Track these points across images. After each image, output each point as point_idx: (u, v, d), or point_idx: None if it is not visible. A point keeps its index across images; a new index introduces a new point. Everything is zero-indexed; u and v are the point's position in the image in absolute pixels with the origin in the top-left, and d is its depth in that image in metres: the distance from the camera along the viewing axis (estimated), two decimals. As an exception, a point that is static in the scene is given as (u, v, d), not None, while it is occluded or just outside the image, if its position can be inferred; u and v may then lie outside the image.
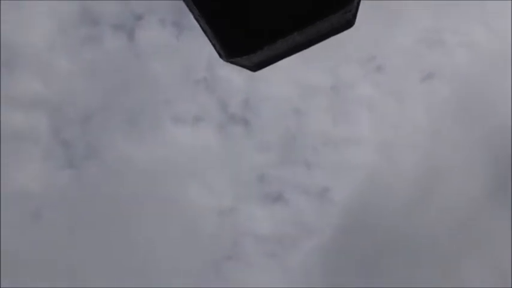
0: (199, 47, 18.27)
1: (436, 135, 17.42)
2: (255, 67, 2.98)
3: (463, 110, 17.20)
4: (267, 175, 19.00)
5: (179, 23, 18.99)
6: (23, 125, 18.20)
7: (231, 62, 2.93)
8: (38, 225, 17.71)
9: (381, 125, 18.34)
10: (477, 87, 17.04)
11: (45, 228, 17.72)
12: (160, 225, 18.40)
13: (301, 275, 17.54)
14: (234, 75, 18.98)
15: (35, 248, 17.14)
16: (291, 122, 19.14)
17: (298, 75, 18.91)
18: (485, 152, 16.68)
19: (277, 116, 19.10)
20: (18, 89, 18.19)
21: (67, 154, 18.93)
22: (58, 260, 16.98)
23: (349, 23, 2.85)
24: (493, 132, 16.66)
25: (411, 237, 16.92)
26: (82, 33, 18.45)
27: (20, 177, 17.89)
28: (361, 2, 2.77)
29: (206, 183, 19.30)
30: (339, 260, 17.28)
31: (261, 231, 18.78)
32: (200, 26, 2.79)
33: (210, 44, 2.84)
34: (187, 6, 2.72)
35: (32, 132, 18.25)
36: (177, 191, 18.82)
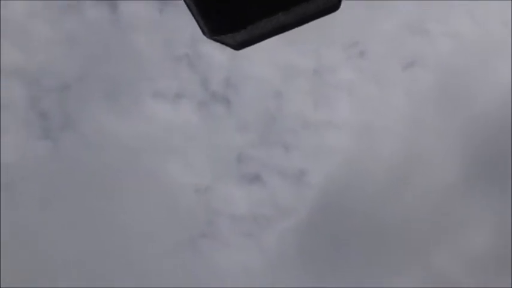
0: (183, 22, 18.12)
1: (416, 122, 17.56)
2: (239, 46, 2.96)
3: (443, 99, 17.35)
4: (245, 155, 19.03)
5: (163, -2, 18.78)
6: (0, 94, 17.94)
7: (215, 40, 2.90)
8: (11, 195, 17.54)
9: (361, 110, 18.43)
10: (458, 77, 17.17)
11: (18, 199, 17.56)
12: (137, 201, 18.36)
13: (276, 255, 17.68)
14: (216, 53, 18.88)
15: (6, 220, 16.99)
16: (271, 103, 19.14)
17: (281, 57, 18.88)
18: (463, 140, 16.87)
19: (258, 97, 19.08)
20: (-4, 56, 17.89)
21: (44, 125, 18.73)
22: (31, 233, 16.87)
23: (335, 6, 2.83)
24: (471, 122, 16.85)
25: (385, 221, 17.11)
26: (64, 2, 18.17)
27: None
28: (348, -14, 2.75)
29: (184, 160, 19.27)
30: (313, 241, 17.43)
31: (237, 211, 18.85)
32: (184, 1, 2.75)
33: (193, 20, 2.80)
34: (172, -20, 2.66)
35: (9, 102, 18.00)
36: (155, 167, 18.77)
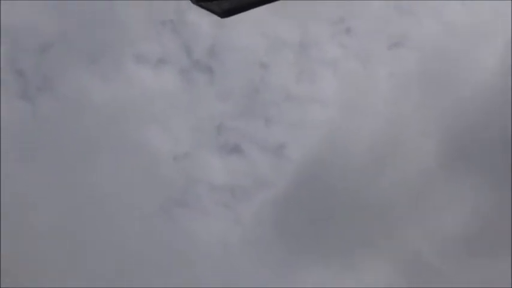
0: (169, -12, 17.75)
1: (398, 102, 17.66)
2: (224, 13, 2.89)
3: (426, 81, 17.45)
4: (225, 125, 18.97)
5: (150, -39, 18.34)
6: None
7: (200, 6, 2.83)
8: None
9: (344, 86, 18.45)
10: (443, 60, 17.25)
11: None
12: (115, 166, 18.22)
13: (253, 226, 17.81)
14: (202, 21, 18.60)
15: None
16: (255, 74, 19.02)
17: (267, 28, 18.69)
18: (443, 123, 17.05)
19: (242, 67, 18.94)
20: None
21: (23, 85, 18.34)
22: (7, 194, 16.65)
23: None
24: (453, 105, 17.01)
25: (363, 198, 17.32)
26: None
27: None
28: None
29: (164, 127, 19.14)
30: (291, 214, 17.57)
31: (215, 180, 18.88)
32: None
33: (179, -15, 2.70)
34: None
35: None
36: (134, 132, 18.61)
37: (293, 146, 18.45)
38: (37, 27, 18.10)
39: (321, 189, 17.65)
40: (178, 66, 19.05)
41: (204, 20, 18.52)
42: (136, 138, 18.52)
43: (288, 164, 18.66)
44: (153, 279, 16.77)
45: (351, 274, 16.88)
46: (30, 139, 17.90)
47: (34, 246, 16.64)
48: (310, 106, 18.57)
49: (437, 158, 17.14)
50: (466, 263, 16.08)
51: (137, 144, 18.45)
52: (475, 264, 15.98)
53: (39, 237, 16.80)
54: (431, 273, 16.49)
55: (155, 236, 17.66)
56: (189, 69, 19.02)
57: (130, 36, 18.87)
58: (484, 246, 16.20)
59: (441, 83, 17.22)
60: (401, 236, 17.09)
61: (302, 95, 18.68)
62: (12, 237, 15.87)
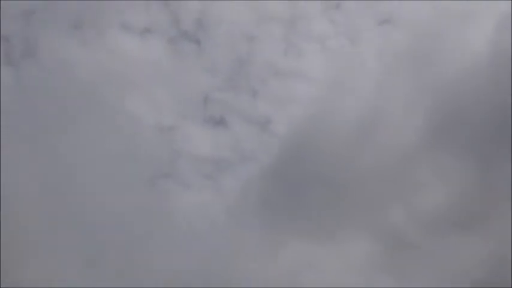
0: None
1: (384, 80, 17.75)
2: None
3: (414, 58, 17.53)
4: (211, 98, 18.89)
5: None
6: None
7: None
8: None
9: (331, 62, 18.46)
10: (432, 40, 17.35)
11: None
12: (98, 136, 17.99)
13: (237, 199, 17.87)
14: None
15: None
16: (242, 47, 18.91)
17: (256, 1, 18.54)
18: (429, 100, 17.19)
19: (230, 40, 18.79)
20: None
21: (5, 50, 17.94)
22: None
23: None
24: (439, 85, 17.15)
25: (346, 175, 17.46)
26: None
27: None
28: None
29: (149, 98, 18.96)
30: (274, 188, 17.65)
31: (199, 153, 18.85)
32: None
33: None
34: None
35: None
36: (118, 102, 18.36)
37: (279, 121, 18.50)
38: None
39: (306, 164, 17.76)
40: (165, 36, 18.84)
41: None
42: (120, 109, 18.31)
43: (273, 139, 18.72)
44: (134, 251, 16.76)
45: (331, 246, 17.09)
46: (13, 106, 17.57)
47: (14, 212, 16.42)
48: (297, 81, 18.59)
49: (421, 135, 17.34)
50: (446, 238, 16.42)
51: (121, 115, 18.25)
52: (455, 239, 16.33)
53: (20, 202, 16.57)
54: (411, 248, 16.81)
55: (138, 206, 17.59)
56: (176, 39, 18.83)
57: (116, 3, 18.54)
58: (463, 222, 16.53)
59: (428, 61, 17.35)
60: (382, 210, 17.34)
61: (289, 70, 18.68)
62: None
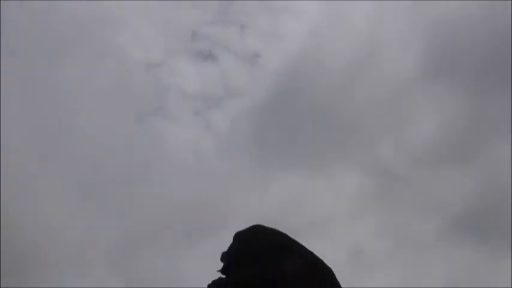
0: None
1: (380, 15, 17.48)
2: None
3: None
4: (200, 32, 18.57)
5: None
6: None
7: None
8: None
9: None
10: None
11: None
12: (88, 73, 17.73)
13: (227, 134, 17.84)
14: None
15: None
16: (230, -20, 18.47)
17: None
18: (425, 36, 17.00)
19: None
20: None
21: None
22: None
23: None
24: (434, 17, 16.92)
25: (338, 110, 17.43)
26: None
27: None
28: None
29: (137, 33, 18.66)
30: (266, 122, 17.60)
31: (188, 89, 18.70)
32: None
33: None
34: None
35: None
36: (106, 38, 18.03)
37: (269, 56, 18.29)
38: None
39: (297, 99, 17.68)
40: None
41: None
42: (108, 45, 18.00)
43: (263, 74, 18.55)
44: (123, 186, 16.79)
45: (322, 180, 17.21)
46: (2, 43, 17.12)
47: (5, 146, 16.23)
48: (288, 16, 18.30)
49: (415, 69, 17.25)
50: (435, 172, 16.58)
51: (109, 52, 17.95)
52: (444, 174, 16.49)
53: (13, 139, 16.38)
54: (400, 181, 16.97)
55: (128, 142, 17.54)
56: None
57: None
58: (453, 156, 16.67)
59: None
60: (373, 144, 17.40)
61: (280, 4, 18.35)
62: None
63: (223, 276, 4.68)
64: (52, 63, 17.04)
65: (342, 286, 4.64)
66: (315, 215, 16.07)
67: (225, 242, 4.94)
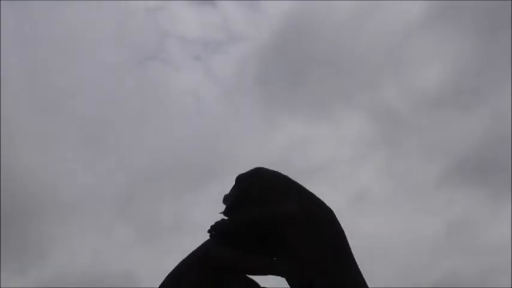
0: None
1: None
2: None
3: None
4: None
5: None
6: None
7: None
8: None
9: None
10: None
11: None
12: (87, 20, 17.42)
13: (228, 79, 17.63)
14: None
15: None
16: None
17: None
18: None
19: None
20: None
21: None
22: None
23: None
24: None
25: (344, 52, 17.12)
26: None
27: None
28: None
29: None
30: (269, 67, 17.32)
31: (187, 33, 18.40)
32: None
33: None
34: None
35: None
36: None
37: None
38: None
39: (301, 43, 17.37)
40: None
41: None
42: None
43: (265, 19, 18.20)
44: (129, 129, 16.73)
45: (326, 124, 17.08)
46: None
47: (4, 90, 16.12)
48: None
49: (419, 15, 16.90)
50: (438, 116, 16.45)
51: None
52: (447, 119, 16.37)
53: (10, 83, 16.23)
54: (403, 125, 16.86)
55: (129, 87, 17.38)
56: None
57: None
58: (455, 100, 16.51)
59: None
60: (377, 89, 17.20)
61: None
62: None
63: (226, 217, 4.70)
64: (52, 8, 16.75)
65: (344, 227, 4.67)
66: (318, 158, 16.07)
67: (228, 184, 4.94)
